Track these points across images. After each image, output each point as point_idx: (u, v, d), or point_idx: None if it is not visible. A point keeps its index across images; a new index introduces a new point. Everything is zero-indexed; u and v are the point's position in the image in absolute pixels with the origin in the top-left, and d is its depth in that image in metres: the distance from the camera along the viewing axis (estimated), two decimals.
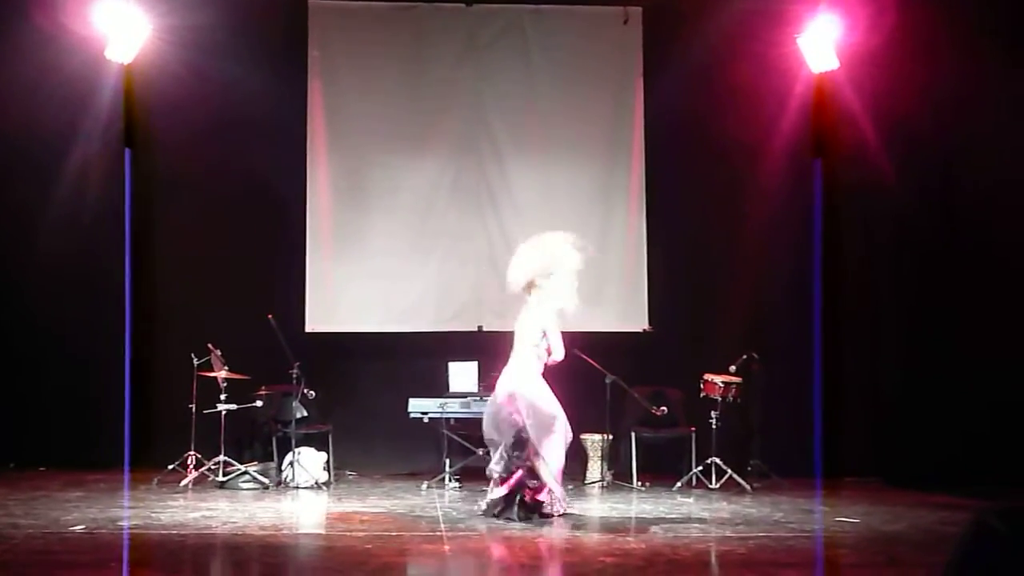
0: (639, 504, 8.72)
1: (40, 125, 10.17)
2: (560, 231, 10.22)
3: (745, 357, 9.63)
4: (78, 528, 7.12)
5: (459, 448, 9.84)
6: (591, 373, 9.50)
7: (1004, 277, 9.93)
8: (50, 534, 6.92)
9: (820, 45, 9.96)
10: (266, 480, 9.36)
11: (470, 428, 9.81)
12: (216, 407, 9.38)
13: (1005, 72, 9.88)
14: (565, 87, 10.81)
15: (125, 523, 7.40)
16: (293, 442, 9.53)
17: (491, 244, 10.69)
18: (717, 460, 9.50)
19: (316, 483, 9.40)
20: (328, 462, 9.73)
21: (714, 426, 9.52)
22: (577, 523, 7.67)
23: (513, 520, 7.49)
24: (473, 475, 9.83)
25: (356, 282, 10.65)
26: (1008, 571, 1.68)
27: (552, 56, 10.84)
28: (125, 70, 10.06)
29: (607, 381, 9.52)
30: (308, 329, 10.57)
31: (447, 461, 9.67)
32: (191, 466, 9.40)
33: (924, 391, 10.04)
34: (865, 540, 7.07)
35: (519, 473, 7.59)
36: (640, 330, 10.59)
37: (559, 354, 7.87)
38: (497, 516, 7.59)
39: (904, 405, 10.16)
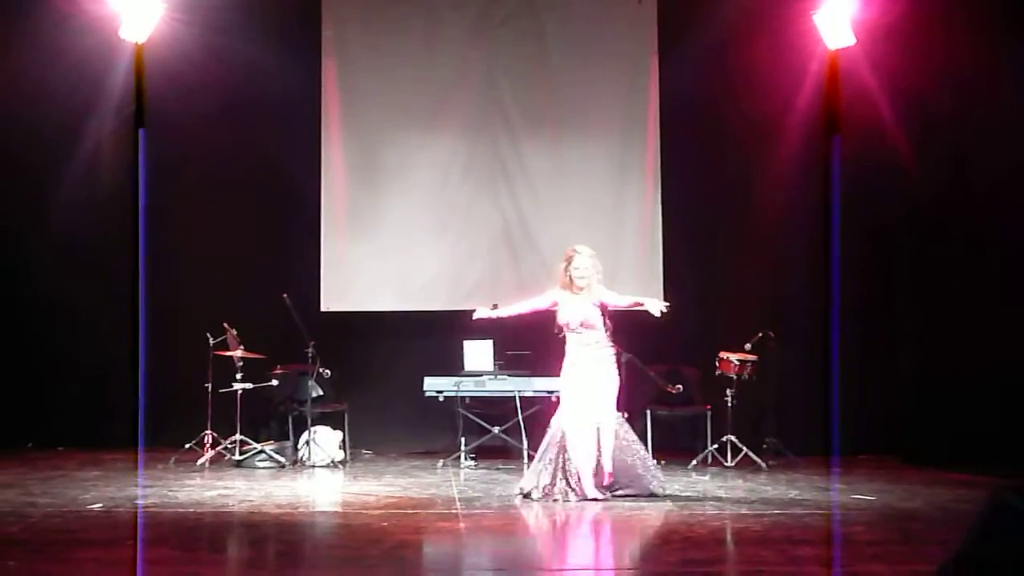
0: None
1: (54, 105, 10.19)
2: (575, 213, 10.30)
3: (761, 335, 9.59)
4: (96, 506, 7.16)
5: (474, 427, 9.85)
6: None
7: (1020, 254, 9.85)
8: (68, 512, 6.96)
9: (836, 21, 9.88)
10: (282, 459, 9.39)
11: (485, 406, 9.84)
12: (232, 386, 9.41)
13: (1022, 48, 9.78)
14: (579, 65, 10.76)
15: (141, 502, 7.43)
16: (309, 421, 9.56)
17: (505, 222, 10.68)
18: (732, 438, 9.49)
19: (332, 462, 9.43)
20: (344, 441, 9.76)
21: (729, 404, 9.51)
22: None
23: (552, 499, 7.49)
24: (488, 453, 9.86)
25: (371, 261, 10.65)
26: None
27: (566, 34, 10.79)
28: (138, 49, 10.05)
29: (622, 359, 9.50)
30: (323, 308, 10.60)
31: (462, 440, 9.69)
32: (207, 445, 9.44)
33: (940, 369, 9.98)
34: (881, 517, 7.05)
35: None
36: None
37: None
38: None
39: (920, 383, 10.12)
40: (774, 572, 5.44)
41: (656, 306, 7.65)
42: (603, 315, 7.70)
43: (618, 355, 7.74)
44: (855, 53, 9.99)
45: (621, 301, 7.77)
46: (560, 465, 7.53)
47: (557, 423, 7.72)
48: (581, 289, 7.68)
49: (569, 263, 7.72)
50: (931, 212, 10.17)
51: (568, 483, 7.46)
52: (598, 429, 7.56)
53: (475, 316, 8.07)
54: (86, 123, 10.36)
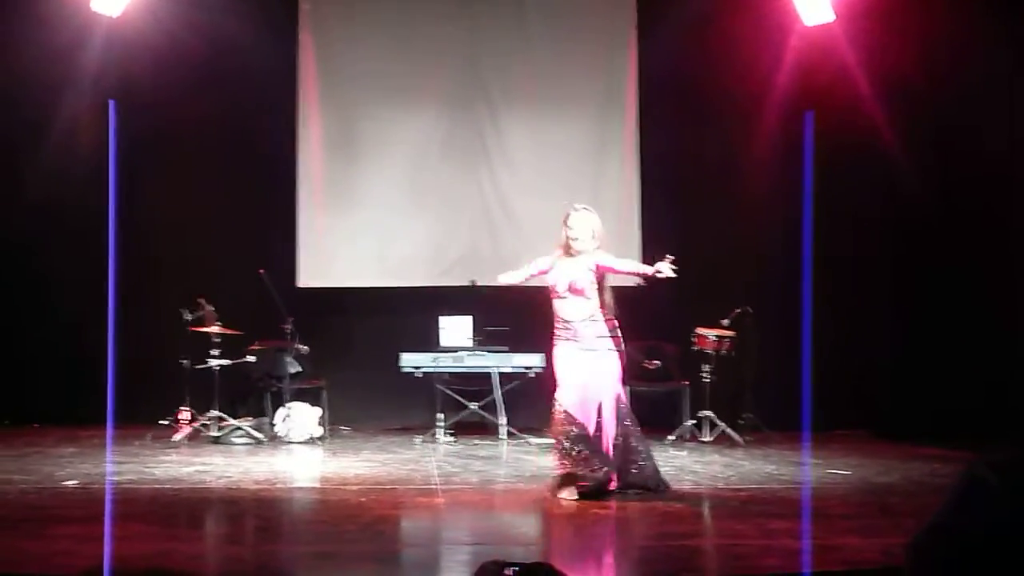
0: None
1: (28, 78, 10.08)
2: (554, 188, 10.28)
3: (738, 311, 9.63)
4: (72, 483, 7.14)
5: (452, 402, 9.86)
6: None
7: (994, 232, 9.91)
8: (44, 489, 6.95)
9: None
10: (260, 435, 9.38)
11: (463, 382, 9.85)
12: (209, 363, 9.38)
13: (999, 26, 9.80)
14: (559, 40, 10.72)
15: (111, 478, 7.41)
16: (287, 397, 9.55)
17: (484, 198, 10.66)
18: (710, 414, 9.54)
19: (310, 438, 9.42)
20: (322, 417, 9.74)
21: (707, 380, 9.55)
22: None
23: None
24: (466, 429, 9.86)
25: (348, 237, 10.62)
26: (999, 521, 1.68)
27: (546, 9, 10.75)
28: (113, 23, 9.94)
29: None
30: (301, 284, 10.56)
31: (441, 415, 9.70)
32: (185, 421, 9.42)
33: (915, 345, 10.06)
34: (857, 491, 7.12)
35: None
36: (634, 284, 10.58)
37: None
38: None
39: (896, 359, 10.19)
40: (750, 546, 5.48)
41: (667, 268, 6.87)
42: (599, 285, 6.97)
43: (613, 331, 6.98)
44: (834, 30, 9.98)
45: (621, 266, 7.08)
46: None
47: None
48: (578, 252, 6.94)
49: (565, 222, 7.01)
50: (908, 188, 10.21)
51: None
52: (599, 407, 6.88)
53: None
54: (61, 97, 10.25)
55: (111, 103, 9.55)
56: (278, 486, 7.38)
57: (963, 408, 9.46)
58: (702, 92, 10.50)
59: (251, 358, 9.66)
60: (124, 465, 7.96)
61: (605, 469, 6.72)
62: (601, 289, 7.00)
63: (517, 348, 9.62)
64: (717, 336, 9.56)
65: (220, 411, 9.40)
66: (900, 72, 9.99)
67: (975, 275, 9.77)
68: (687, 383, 9.81)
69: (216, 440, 9.27)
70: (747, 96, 10.42)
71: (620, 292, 9.97)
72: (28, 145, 10.32)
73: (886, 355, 10.29)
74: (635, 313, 10.32)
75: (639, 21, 10.71)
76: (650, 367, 9.67)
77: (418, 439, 9.54)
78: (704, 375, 9.55)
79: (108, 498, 6.73)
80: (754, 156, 10.46)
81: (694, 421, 9.62)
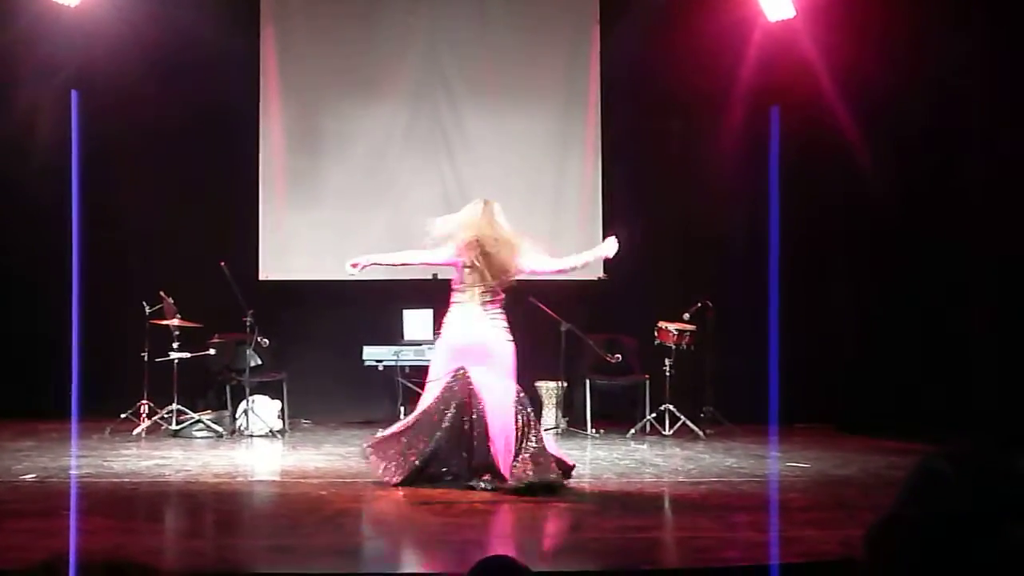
0: (593, 450, 8.78)
1: None
2: (516, 182, 10.28)
3: (699, 305, 9.68)
4: (29, 477, 7.06)
5: (414, 396, 9.83)
6: (546, 320, 9.52)
7: (960, 224, 10.00)
8: (1, 483, 6.86)
9: None
10: (220, 428, 9.33)
11: (424, 376, 9.80)
12: (169, 355, 9.31)
13: (958, 18, 9.88)
14: (520, 34, 10.73)
15: (76, 472, 7.35)
16: (247, 390, 9.50)
17: (446, 191, 10.63)
18: (671, 407, 9.59)
19: (270, 431, 9.38)
20: (282, 410, 9.70)
21: (668, 373, 9.60)
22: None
23: None
24: None
25: (309, 229, 10.57)
26: (954, 511, 1.70)
27: (508, 2, 10.74)
28: (71, 12, 9.83)
29: (562, 329, 9.56)
30: (261, 276, 10.51)
31: (402, 409, 9.66)
32: (144, 415, 9.35)
33: (875, 339, 10.15)
34: (816, 484, 7.17)
35: None
36: (595, 278, 10.62)
37: None
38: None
39: (855, 353, 10.27)
40: (710, 538, 5.51)
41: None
42: None
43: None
44: (795, 25, 10.04)
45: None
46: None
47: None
48: None
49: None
50: (870, 183, 10.27)
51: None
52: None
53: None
54: (19, 86, 10.12)
55: (73, 93, 9.45)
56: (238, 479, 7.33)
57: (924, 403, 9.55)
58: (664, 85, 10.53)
59: (211, 351, 9.61)
60: (83, 459, 7.89)
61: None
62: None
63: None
64: (678, 330, 9.61)
65: (179, 404, 9.34)
66: (860, 66, 10.05)
67: (937, 270, 9.86)
68: (647, 377, 9.85)
69: (175, 433, 9.20)
70: (709, 90, 10.46)
71: (582, 285, 10.05)
72: None
73: (848, 349, 10.37)
74: (596, 307, 10.40)
75: (602, 13, 10.74)
76: (611, 360, 9.70)
77: (379, 432, 9.50)
78: (665, 369, 9.59)
79: (68, 492, 6.67)
80: (716, 150, 10.51)
81: (655, 415, 9.66)
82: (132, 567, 1.68)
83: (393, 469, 6.76)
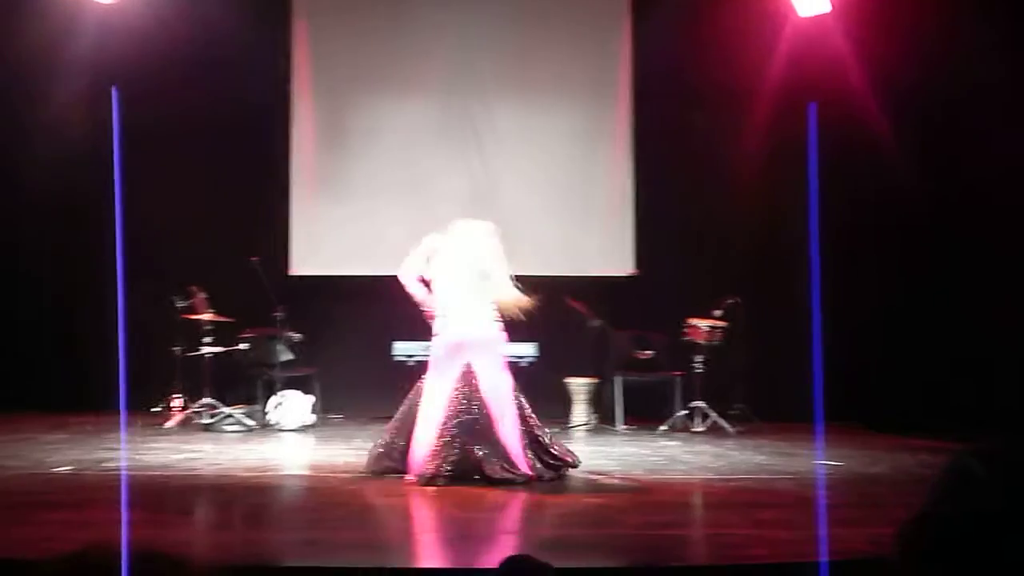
0: (623, 447, 8.76)
1: (24, 66, 10.03)
2: (547, 178, 10.27)
3: (731, 302, 9.64)
4: (63, 469, 7.13)
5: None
6: (577, 317, 9.53)
7: (989, 222, 9.92)
8: (35, 475, 6.94)
9: None
10: (251, 422, 9.38)
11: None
12: (201, 350, 9.38)
13: (994, 14, 9.79)
14: (551, 29, 10.71)
15: (123, 463, 7.41)
16: (278, 385, 9.55)
17: (476, 187, 10.64)
18: (701, 404, 9.56)
19: (301, 425, 9.42)
20: (313, 405, 9.75)
21: (698, 370, 9.57)
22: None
23: None
24: None
25: (340, 224, 10.61)
26: (986, 509, 1.69)
27: None
28: (106, 10, 9.91)
29: (593, 325, 9.55)
30: (292, 272, 10.56)
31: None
32: (176, 409, 9.41)
33: (906, 336, 10.07)
34: (846, 482, 7.13)
35: None
36: (626, 274, 10.61)
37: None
38: None
39: (887, 350, 10.20)
40: (738, 535, 5.49)
41: None
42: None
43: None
44: (828, 20, 9.97)
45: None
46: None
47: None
48: None
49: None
50: (904, 181, 10.19)
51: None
52: None
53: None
54: (57, 84, 10.22)
55: (113, 90, 9.51)
56: (268, 473, 7.38)
57: (954, 401, 9.48)
58: (696, 80, 10.48)
59: (243, 346, 9.66)
60: (116, 451, 7.95)
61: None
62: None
63: (510, 337, 9.61)
64: (709, 327, 9.58)
65: (211, 398, 9.40)
66: (895, 62, 9.98)
67: (970, 268, 9.78)
68: (678, 373, 9.82)
69: (207, 427, 9.26)
70: (741, 85, 10.41)
71: (612, 281, 10.05)
72: (23, 134, 10.29)
73: (878, 347, 10.29)
74: (627, 303, 10.38)
75: (633, 8, 10.72)
76: (641, 357, 9.69)
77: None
78: (696, 365, 9.57)
79: (101, 484, 6.73)
80: (749, 147, 10.45)
81: (685, 411, 9.64)
82: (163, 558, 1.70)
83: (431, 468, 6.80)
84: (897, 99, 10.05)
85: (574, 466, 7.09)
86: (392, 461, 7.01)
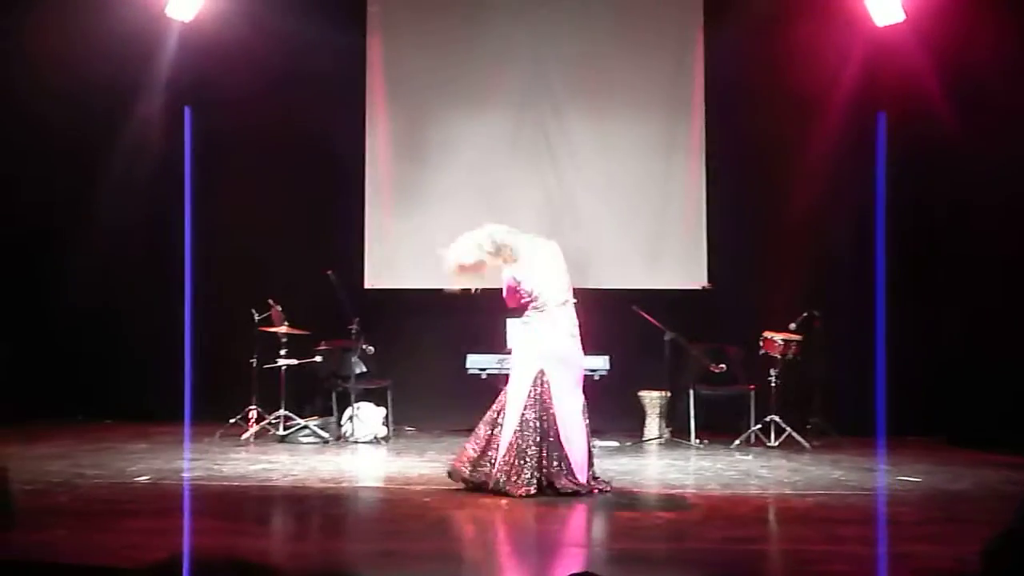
0: (697, 461, 8.69)
1: (101, 84, 10.25)
2: (620, 190, 10.24)
3: (806, 315, 9.53)
4: (143, 478, 7.26)
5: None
6: (650, 330, 9.48)
7: None
8: (116, 483, 7.07)
9: None
10: (326, 434, 9.46)
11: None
12: (277, 362, 9.48)
13: None
14: (624, 40, 10.69)
15: (187, 474, 7.53)
16: (352, 397, 9.62)
17: (550, 199, 10.65)
18: (776, 418, 9.45)
19: (375, 438, 9.49)
20: (387, 417, 9.80)
21: (773, 384, 9.46)
22: (635, 480, 7.66)
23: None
24: None
25: (415, 238, 10.66)
26: None
27: (611, 9, 10.72)
28: (185, 27, 10.09)
29: (666, 338, 9.50)
30: (367, 285, 10.65)
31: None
32: (252, 420, 9.53)
33: (987, 349, 9.87)
34: (926, 498, 7.00)
35: None
36: (700, 287, 10.54)
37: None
38: None
39: (967, 363, 10.00)
40: (816, 551, 5.42)
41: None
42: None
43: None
44: (904, 30, 9.83)
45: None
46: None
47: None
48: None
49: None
50: (978, 191, 10.01)
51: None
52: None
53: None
54: (134, 102, 10.45)
55: (187, 109, 9.72)
56: (343, 484, 7.43)
57: None
58: (769, 92, 10.39)
59: (318, 358, 9.75)
60: (193, 462, 8.08)
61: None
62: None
63: (582, 350, 9.59)
64: (784, 340, 9.47)
65: (287, 410, 9.50)
66: (971, 72, 9.81)
67: None
68: (753, 387, 9.72)
69: (282, 439, 9.37)
70: (814, 97, 10.30)
71: (686, 294, 10.00)
72: (102, 149, 10.52)
73: (960, 360, 10.09)
74: (701, 316, 10.30)
75: (706, 20, 10.65)
76: (716, 370, 9.62)
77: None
78: (771, 379, 9.47)
79: (179, 493, 6.84)
80: (821, 158, 10.34)
81: (760, 425, 9.53)
82: (255, 567, 1.72)
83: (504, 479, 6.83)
84: (978, 107, 9.86)
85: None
86: (477, 473, 6.99)
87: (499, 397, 7.15)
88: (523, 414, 6.89)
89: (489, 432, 7.01)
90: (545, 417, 6.89)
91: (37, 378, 10.35)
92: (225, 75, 10.38)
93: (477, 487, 6.91)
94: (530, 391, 6.92)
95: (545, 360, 6.98)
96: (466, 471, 6.98)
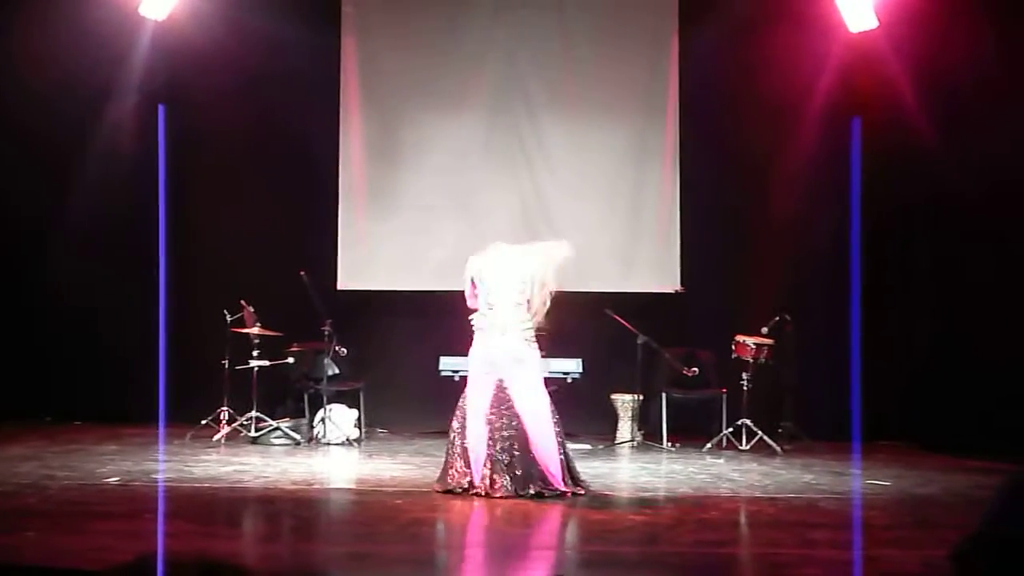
0: (669, 464, 8.72)
1: (75, 82, 10.19)
2: (594, 193, 10.25)
3: (778, 319, 9.57)
4: (112, 480, 7.21)
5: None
6: (622, 333, 9.50)
7: None
8: (85, 485, 7.03)
9: (858, 4, 9.78)
10: (298, 436, 9.43)
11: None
12: (249, 363, 9.45)
13: None
14: (599, 45, 10.71)
15: (159, 476, 7.48)
16: (325, 399, 9.59)
17: (524, 202, 10.65)
18: (748, 422, 9.49)
19: (347, 440, 9.46)
20: (359, 419, 9.78)
21: (745, 388, 9.50)
22: (607, 483, 7.67)
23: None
24: None
25: (388, 240, 10.66)
26: None
27: (587, 14, 10.75)
28: (158, 26, 10.04)
29: (638, 341, 9.52)
30: (340, 286, 10.62)
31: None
32: (224, 421, 9.48)
33: (962, 354, 9.93)
34: (896, 503, 7.04)
35: None
36: (672, 291, 10.57)
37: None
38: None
39: (939, 369, 10.06)
40: (787, 554, 5.44)
41: None
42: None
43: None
44: (877, 36, 9.90)
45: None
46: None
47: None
48: None
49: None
50: (952, 197, 10.08)
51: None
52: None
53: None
54: (107, 100, 10.38)
55: (160, 107, 9.65)
56: (315, 487, 7.41)
57: (1008, 421, 9.32)
58: (744, 98, 10.43)
59: (290, 360, 9.71)
60: (164, 463, 8.03)
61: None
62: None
63: (555, 353, 9.61)
64: (756, 344, 9.51)
65: (258, 412, 9.47)
66: (944, 78, 9.88)
67: (1022, 284, 9.64)
68: (724, 391, 9.76)
69: (254, 440, 9.33)
70: (789, 103, 10.35)
71: (658, 298, 10.01)
72: (75, 149, 10.45)
73: (931, 366, 10.16)
74: (673, 320, 10.33)
75: (681, 25, 10.68)
76: (688, 374, 9.64)
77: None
78: (742, 383, 9.50)
79: (150, 495, 6.80)
80: (795, 163, 10.39)
81: (731, 429, 9.57)
82: (225, 569, 1.71)
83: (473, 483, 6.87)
84: (951, 113, 9.94)
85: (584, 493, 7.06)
86: (450, 477, 7.00)
87: (459, 404, 7.15)
88: (489, 420, 6.90)
89: (463, 443, 7.01)
90: (515, 423, 6.91)
91: (6, 379, 10.25)
92: (198, 75, 10.34)
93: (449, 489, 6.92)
94: (491, 399, 6.96)
95: (500, 368, 7.04)
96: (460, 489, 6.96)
